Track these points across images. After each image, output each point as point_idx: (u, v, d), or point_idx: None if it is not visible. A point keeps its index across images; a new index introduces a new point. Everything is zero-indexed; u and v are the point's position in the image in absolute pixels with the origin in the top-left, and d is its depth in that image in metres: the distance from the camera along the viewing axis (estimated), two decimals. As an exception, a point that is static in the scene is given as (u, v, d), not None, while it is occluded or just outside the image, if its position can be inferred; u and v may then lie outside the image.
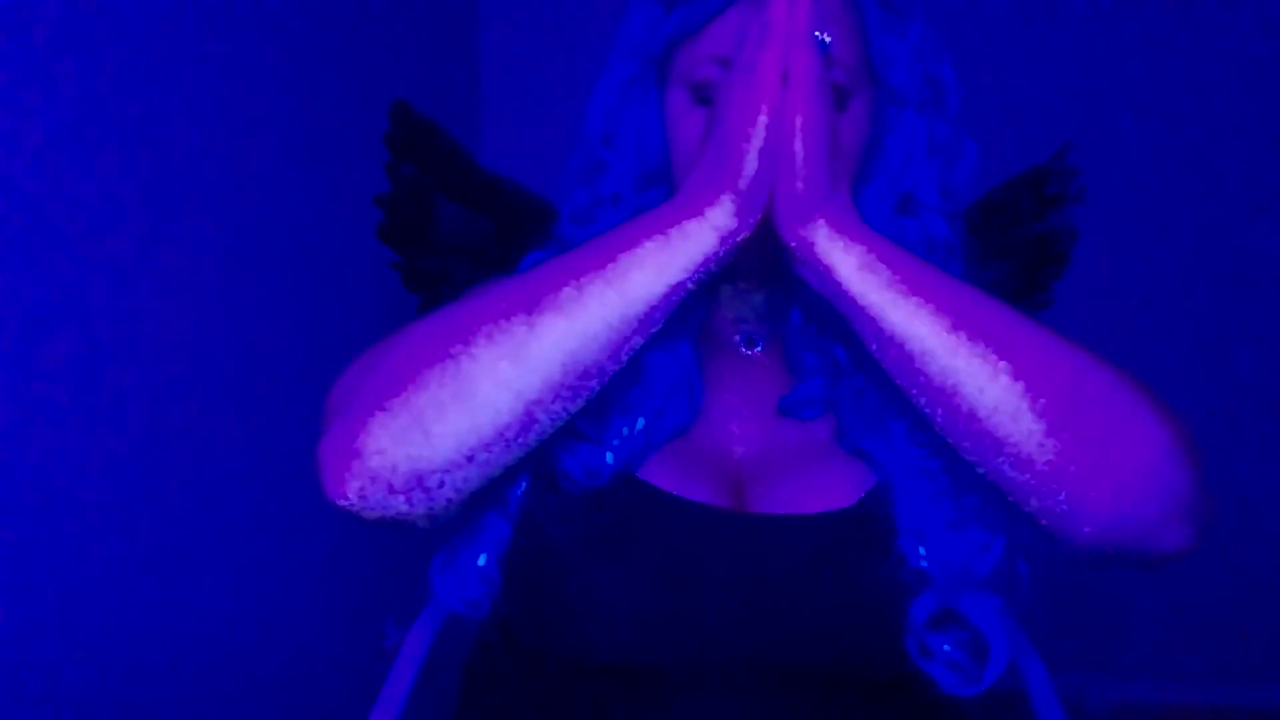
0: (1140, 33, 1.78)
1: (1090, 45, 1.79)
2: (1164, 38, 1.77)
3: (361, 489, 0.50)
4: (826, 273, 0.52)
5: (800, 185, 0.51)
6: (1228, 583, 1.84)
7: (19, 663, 0.79)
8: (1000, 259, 0.93)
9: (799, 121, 0.50)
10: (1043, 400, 0.50)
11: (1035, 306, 0.95)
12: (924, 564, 0.59)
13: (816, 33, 0.51)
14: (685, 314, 0.58)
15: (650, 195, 0.65)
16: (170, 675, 0.98)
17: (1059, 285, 0.96)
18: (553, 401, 0.52)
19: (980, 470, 0.53)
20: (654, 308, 0.52)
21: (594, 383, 0.53)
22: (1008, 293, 0.90)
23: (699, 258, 0.51)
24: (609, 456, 0.61)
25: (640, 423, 0.62)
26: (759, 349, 0.69)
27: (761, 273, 0.63)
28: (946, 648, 0.59)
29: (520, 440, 0.52)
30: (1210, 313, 1.83)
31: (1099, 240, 1.12)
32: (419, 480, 0.51)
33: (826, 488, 0.62)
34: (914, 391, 0.53)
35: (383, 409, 0.50)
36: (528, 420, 0.51)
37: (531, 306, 0.51)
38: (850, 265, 0.51)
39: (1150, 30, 1.77)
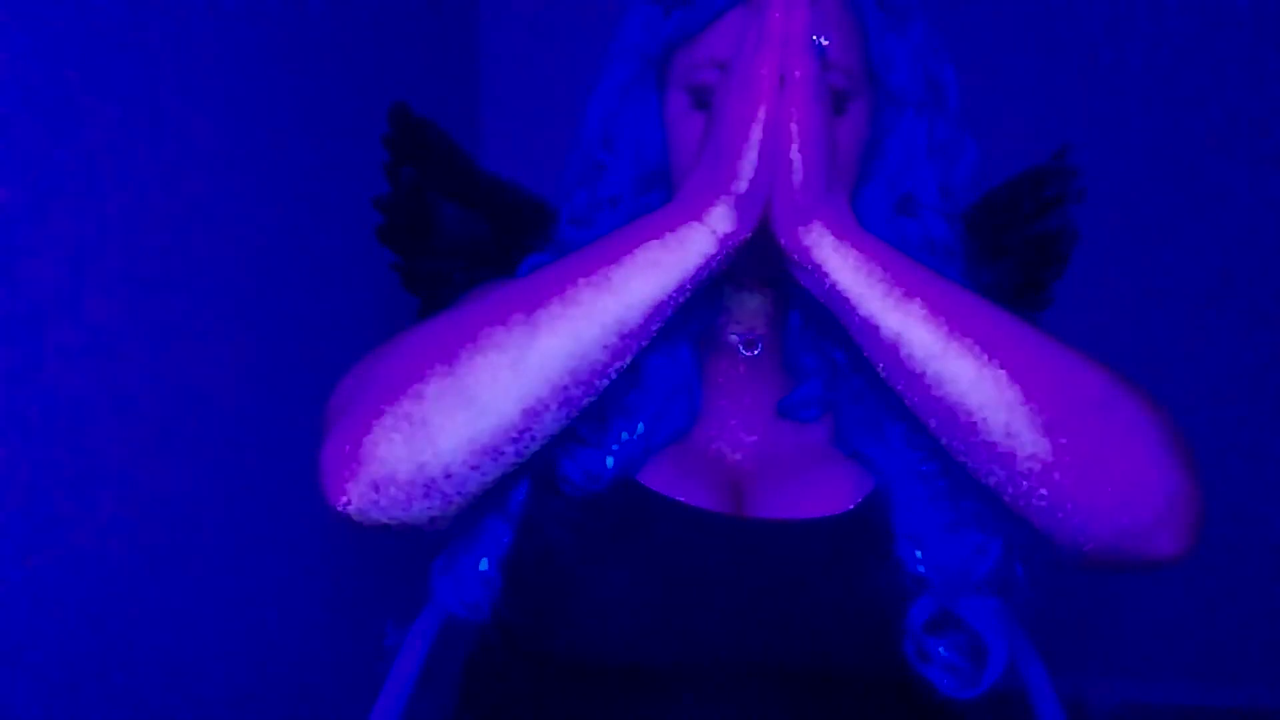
0: (1141, 32, 1.77)
1: (1091, 44, 1.79)
2: (1165, 37, 1.77)
3: (362, 495, 0.51)
4: (822, 276, 0.52)
5: (797, 189, 0.51)
6: (1227, 583, 1.84)
7: (20, 662, 0.79)
8: (1000, 259, 0.93)
9: (795, 126, 0.50)
10: (1036, 404, 0.50)
11: (1035, 307, 0.95)
12: (921, 568, 0.59)
13: (814, 36, 0.51)
14: (684, 317, 0.58)
15: (650, 198, 0.65)
16: (171, 675, 0.98)
17: (1058, 286, 0.96)
18: (553, 406, 0.52)
19: (974, 473, 0.53)
20: (653, 311, 0.52)
21: (594, 387, 0.53)
22: (1007, 293, 0.91)
23: (697, 261, 0.51)
24: (609, 461, 0.61)
25: (640, 427, 0.62)
26: (758, 352, 0.69)
27: (760, 276, 0.63)
28: (944, 651, 0.59)
29: (520, 445, 0.52)
30: (1209, 314, 1.83)
31: (1099, 241, 1.12)
32: (419, 486, 0.51)
33: (825, 492, 0.63)
34: (908, 394, 0.53)
35: (383, 414, 0.50)
36: (528, 425, 0.51)
37: (531, 311, 0.51)
38: (846, 269, 0.52)
39: (1151, 29, 1.77)
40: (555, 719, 0.62)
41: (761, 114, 0.50)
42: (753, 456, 0.66)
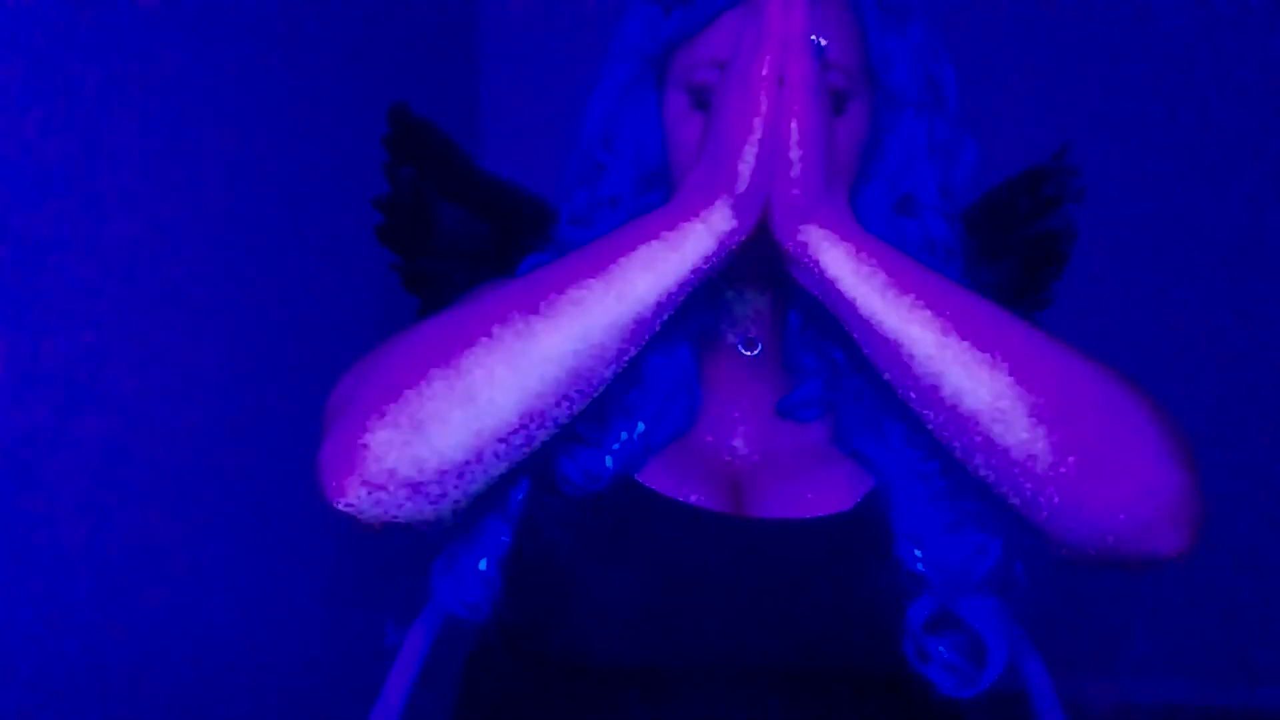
0: (1141, 31, 1.77)
1: (1090, 44, 1.79)
2: (1165, 36, 1.77)
3: (361, 494, 0.51)
4: (821, 275, 0.52)
5: (796, 188, 0.51)
6: (1227, 583, 1.84)
7: (20, 661, 0.79)
8: (999, 259, 0.93)
9: (794, 125, 0.50)
10: (1036, 403, 0.50)
11: (1034, 307, 0.95)
12: (921, 567, 0.59)
13: (812, 36, 0.51)
14: (684, 317, 0.58)
15: (649, 198, 0.65)
16: (171, 674, 0.98)
17: (1058, 286, 0.95)
18: (553, 405, 0.52)
19: (975, 472, 0.53)
20: (652, 311, 0.52)
21: (593, 386, 0.53)
22: (1007, 293, 0.90)
23: (697, 260, 0.52)
24: (608, 460, 0.61)
25: (640, 426, 0.62)
26: (758, 351, 0.69)
27: (760, 275, 0.63)
28: (944, 650, 0.59)
29: (520, 444, 0.52)
30: (1209, 313, 1.83)
31: (1098, 241, 1.12)
32: (419, 484, 0.51)
33: (824, 491, 0.63)
34: (908, 393, 0.53)
35: (383, 413, 0.50)
36: (528, 424, 0.52)
37: (531, 310, 0.51)
38: (845, 268, 0.52)
39: (1151, 28, 1.77)
40: (555, 719, 0.62)
41: (760, 114, 0.50)
42: (752, 456, 0.66)
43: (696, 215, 0.52)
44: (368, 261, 1.02)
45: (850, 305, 0.52)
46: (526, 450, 0.53)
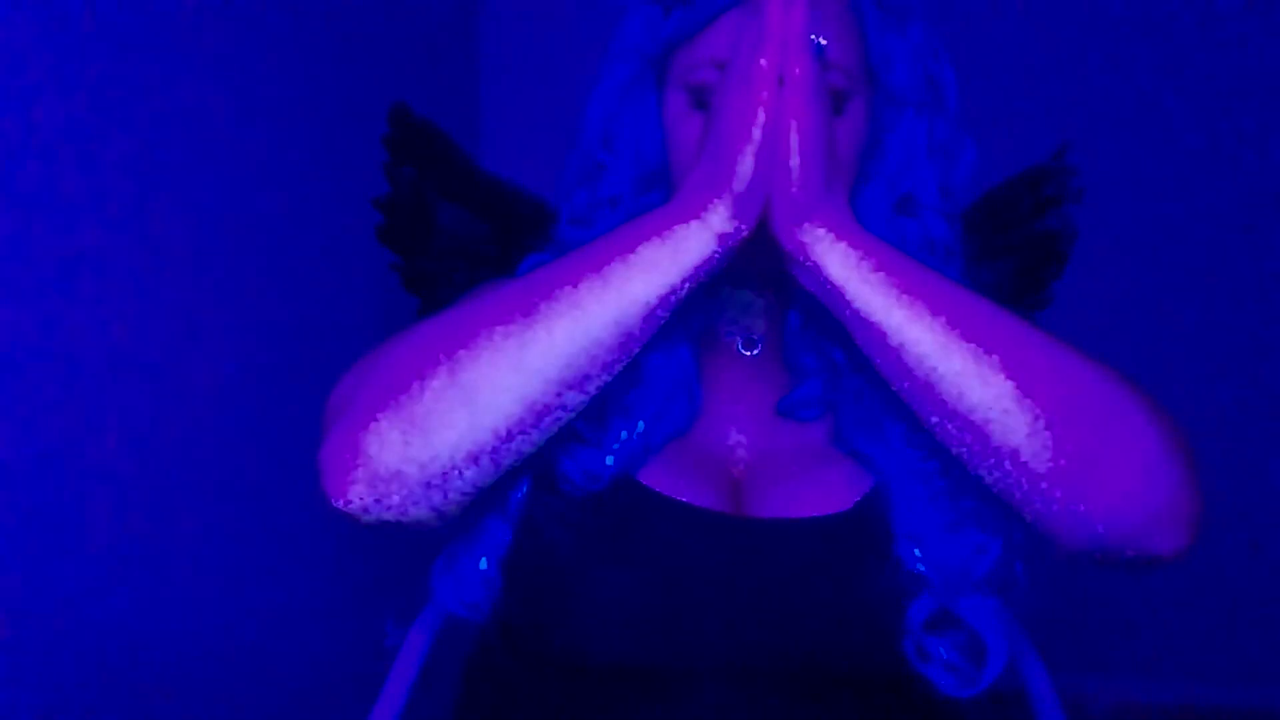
0: (1141, 31, 1.77)
1: (1090, 44, 1.79)
2: (1165, 36, 1.77)
3: (363, 493, 0.51)
4: (821, 275, 0.52)
5: (796, 188, 0.51)
6: (1227, 583, 1.83)
7: (20, 661, 0.79)
8: (999, 259, 0.93)
9: (795, 125, 0.50)
10: (1035, 402, 0.50)
11: (1034, 307, 0.95)
12: (921, 567, 0.59)
13: (812, 36, 0.51)
14: (684, 316, 0.58)
15: (649, 198, 0.65)
16: (171, 674, 0.98)
17: (1058, 285, 0.96)
18: (552, 404, 0.52)
19: (975, 472, 0.53)
20: (652, 310, 0.52)
21: (593, 385, 0.53)
22: (1007, 293, 0.90)
23: (697, 260, 0.52)
24: (608, 460, 0.61)
25: (640, 426, 0.62)
26: (758, 351, 0.69)
27: (760, 275, 0.64)
28: (944, 650, 0.59)
29: (520, 443, 0.52)
30: (1209, 313, 1.83)
31: (1098, 241, 1.12)
32: (419, 484, 0.51)
33: (824, 491, 0.63)
34: (907, 393, 0.53)
35: (383, 412, 0.50)
36: (527, 423, 0.52)
37: (531, 309, 0.51)
38: (845, 267, 0.52)
39: (1151, 28, 1.77)
40: (555, 719, 0.62)
41: (760, 113, 0.50)
42: (752, 456, 0.66)
43: (697, 215, 0.52)
44: (368, 261, 1.03)
45: (850, 305, 0.52)
46: (526, 450, 0.53)
